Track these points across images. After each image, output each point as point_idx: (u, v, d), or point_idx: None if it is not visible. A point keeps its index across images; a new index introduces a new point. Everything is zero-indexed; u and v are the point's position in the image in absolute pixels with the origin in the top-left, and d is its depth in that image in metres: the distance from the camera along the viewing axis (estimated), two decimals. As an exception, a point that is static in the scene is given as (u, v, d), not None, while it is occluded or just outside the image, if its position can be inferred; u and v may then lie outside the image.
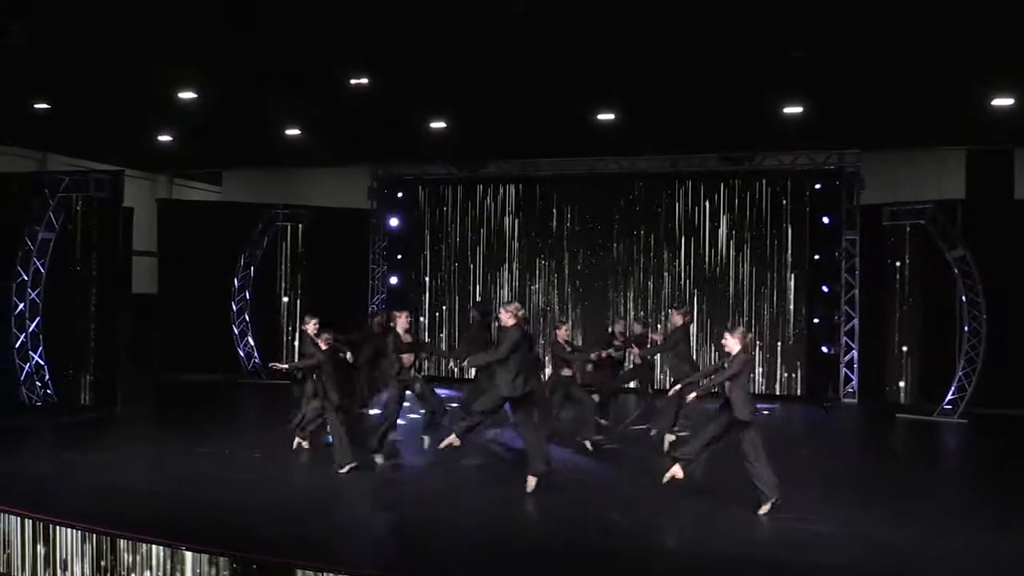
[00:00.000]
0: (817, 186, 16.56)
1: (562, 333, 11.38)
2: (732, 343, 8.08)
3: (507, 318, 8.66)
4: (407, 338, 10.08)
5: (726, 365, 8.15)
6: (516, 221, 18.31)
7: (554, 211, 18.00)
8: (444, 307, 18.77)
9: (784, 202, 16.68)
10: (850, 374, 16.01)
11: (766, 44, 10.57)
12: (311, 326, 10.20)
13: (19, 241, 13.40)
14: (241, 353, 17.92)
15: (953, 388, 14.03)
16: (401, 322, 10.13)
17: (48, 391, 13.47)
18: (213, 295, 17.81)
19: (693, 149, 16.53)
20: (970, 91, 12.05)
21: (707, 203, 17.11)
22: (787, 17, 9.42)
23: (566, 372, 11.12)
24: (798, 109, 13.04)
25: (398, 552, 7.31)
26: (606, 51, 11.05)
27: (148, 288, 19.25)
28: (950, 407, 14.01)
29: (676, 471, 8.08)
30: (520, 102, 13.28)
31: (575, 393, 11.23)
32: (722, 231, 17.01)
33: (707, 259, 17.09)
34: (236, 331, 17.91)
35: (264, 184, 20.25)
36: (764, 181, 16.79)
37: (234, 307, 17.91)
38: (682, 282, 17.26)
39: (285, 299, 18.61)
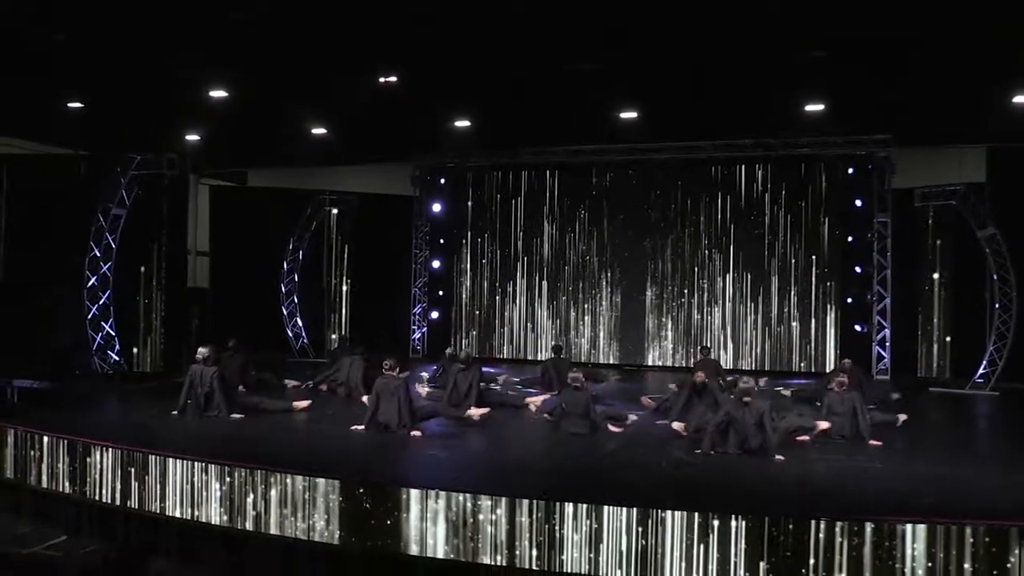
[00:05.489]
0: (850, 171, 17.12)
1: None
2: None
3: None
4: None
5: None
6: (557, 186, 19.04)
7: (593, 180, 18.77)
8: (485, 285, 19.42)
9: (812, 187, 17.38)
10: (882, 352, 16.50)
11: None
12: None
13: (91, 218, 14.10)
14: (290, 333, 18.61)
15: (984, 362, 14.54)
16: None
17: (118, 359, 14.16)
18: (264, 279, 18.51)
19: (727, 135, 17.03)
20: (991, 89, 12.69)
21: (742, 185, 17.81)
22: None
23: None
24: (820, 106, 13.93)
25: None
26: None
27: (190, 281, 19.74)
28: (981, 380, 14.50)
29: None
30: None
31: None
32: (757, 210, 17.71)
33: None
34: (285, 312, 18.61)
35: (292, 182, 20.44)
36: (802, 165, 17.47)
37: (283, 289, 18.60)
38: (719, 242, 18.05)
39: (332, 282, 19.28)
